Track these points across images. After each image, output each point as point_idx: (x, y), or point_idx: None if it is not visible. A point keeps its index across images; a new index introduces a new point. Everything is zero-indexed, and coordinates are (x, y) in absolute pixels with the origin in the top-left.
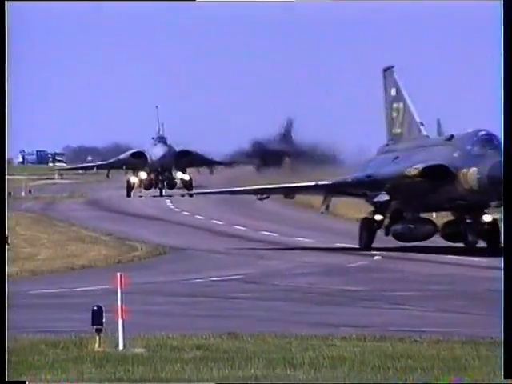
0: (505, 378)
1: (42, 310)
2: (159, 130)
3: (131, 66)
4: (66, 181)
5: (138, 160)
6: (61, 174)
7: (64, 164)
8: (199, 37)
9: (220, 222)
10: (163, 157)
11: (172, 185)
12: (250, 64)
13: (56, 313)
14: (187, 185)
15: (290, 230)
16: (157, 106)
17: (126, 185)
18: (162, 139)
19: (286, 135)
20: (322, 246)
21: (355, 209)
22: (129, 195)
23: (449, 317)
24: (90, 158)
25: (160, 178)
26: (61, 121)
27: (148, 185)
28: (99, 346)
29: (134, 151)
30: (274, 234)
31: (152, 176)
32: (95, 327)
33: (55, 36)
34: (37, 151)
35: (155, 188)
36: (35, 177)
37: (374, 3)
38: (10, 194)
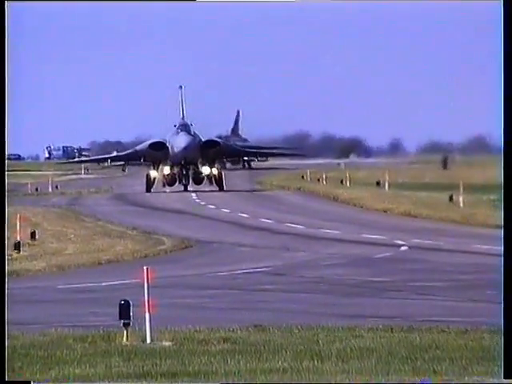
0: (505, 378)
1: (69, 304)
2: (183, 115)
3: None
4: (92, 176)
5: (158, 152)
6: (87, 169)
7: None
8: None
9: (246, 215)
10: (186, 148)
11: (199, 180)
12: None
13: (84, 307)
14: (217, 180)
15: (316, 223)
16: (181, 87)
17: (145, 180)
18: (185, 127)
19: (234, 128)
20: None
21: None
22: (148, 191)
23: (477, 306)
24: (115, 153)
25: (184, 172)
26: (87, 116)
27: (171, 180)
28: (127, 339)
29: (153, 141)
30: (300, 227)
31: (175, 170)
32: (123, 321)
33: (73, 33)
34: (63, 147)
35: (179, 183)
36: (61, 172)
37: (373, 3)
38: (36, 189)
